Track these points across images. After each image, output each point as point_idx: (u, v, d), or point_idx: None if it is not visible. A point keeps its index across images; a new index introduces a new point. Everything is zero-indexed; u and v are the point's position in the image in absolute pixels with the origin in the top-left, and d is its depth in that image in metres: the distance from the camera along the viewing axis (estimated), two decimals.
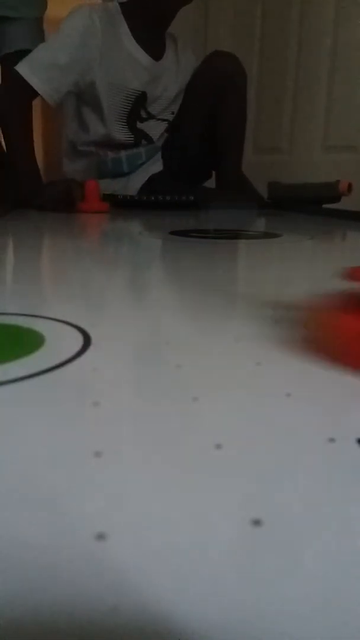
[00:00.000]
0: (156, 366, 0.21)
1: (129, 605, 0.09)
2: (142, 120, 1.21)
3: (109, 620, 0.09)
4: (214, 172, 1.31)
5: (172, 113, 1.25)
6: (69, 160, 1.26)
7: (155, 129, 1.24)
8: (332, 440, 0.15)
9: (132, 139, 1.21)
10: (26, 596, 0.09)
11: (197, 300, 0.33)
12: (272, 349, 0.23)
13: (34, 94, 1.07)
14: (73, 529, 0.11)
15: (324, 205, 1.05)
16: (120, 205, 1.06)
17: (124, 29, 1.12)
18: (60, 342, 0.23)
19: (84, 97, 1.15)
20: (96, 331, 0.25)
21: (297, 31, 1.46)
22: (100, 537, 0.11)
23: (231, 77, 1.20)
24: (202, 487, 0.13)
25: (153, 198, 1.08)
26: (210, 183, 1.34)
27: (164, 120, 1.24)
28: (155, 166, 1.27)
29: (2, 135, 1.14)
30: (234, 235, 0.69)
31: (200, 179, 1.34)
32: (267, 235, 0.71)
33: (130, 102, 1.17)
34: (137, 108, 1.19)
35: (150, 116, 1.22)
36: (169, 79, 1.20)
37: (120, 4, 1.12)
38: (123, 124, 1.19)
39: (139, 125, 1.21)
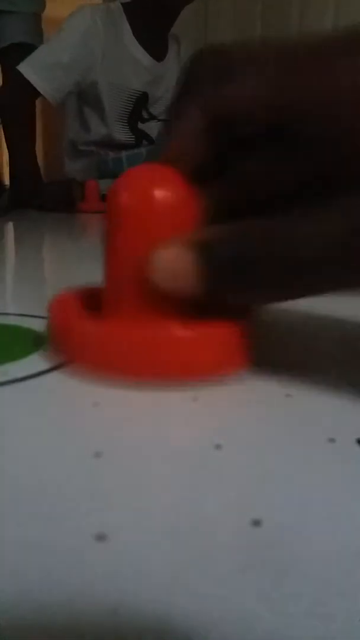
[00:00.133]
0: None
1: (129, 605, 0.09)
2: (144, 120, 1.21)
3: (109, 620, 0.09)
4: None
5: None
6: (69, 159, 1.26)
7: (157, 130, 1.24)
8: (332, 440, 0.15)
9: (133, 139, 1.21)
10: (25, 596, 0.09)
11: None
12: (273, 348, 0.23)
13: (36, 93, 1.07)
14: (73, 529, 0.11)
15: None
16: None
17: (126, 29, 1.12)
18: None
19: (86, 97, 1.15)
20: None
21: (297, 31, 1.46)
22: (100, 537, 0.11)
23: None
24: (202, 487, 0.13)
25: None
26: None
27: (165, 121, 1.24)
28: None
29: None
30: None
31: None
32: None
33: (132, 102, 1.17)
34: (138, 108, 1.19)
35: (152, 117, 1.22)
36: (171, 79, 1.20)
37: (123, 4, 1.12)
38: (124, 124, 1.19)
39: (140, 125, 1.21)
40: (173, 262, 0.17)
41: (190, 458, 0.14)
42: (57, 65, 1.06)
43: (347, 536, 0.11)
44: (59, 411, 0.17)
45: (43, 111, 1.53)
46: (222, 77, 0.17)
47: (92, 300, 0.21)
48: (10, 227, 0.78)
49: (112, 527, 0.11)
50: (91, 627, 0.09)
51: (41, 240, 0.68)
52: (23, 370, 0.20)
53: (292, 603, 0.09)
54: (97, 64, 1.10)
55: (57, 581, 0.10)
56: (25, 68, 1.05)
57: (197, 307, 0.18)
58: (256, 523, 0.11)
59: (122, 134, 1.20)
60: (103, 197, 1.03)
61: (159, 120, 1.23)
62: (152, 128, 1.23)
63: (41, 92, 1.06)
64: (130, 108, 1.18)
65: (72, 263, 0.51)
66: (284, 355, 0.22)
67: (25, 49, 1.10)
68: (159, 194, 0.18)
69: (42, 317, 0.27)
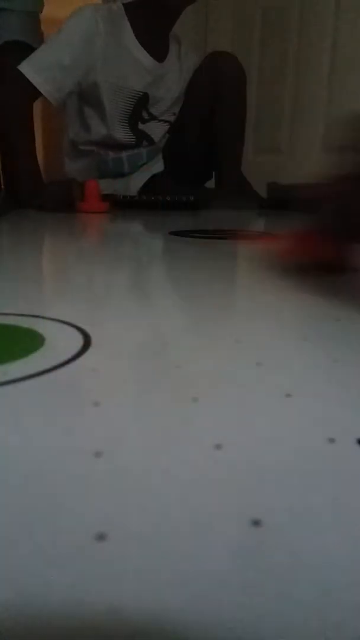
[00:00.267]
0: (156, 366, 0.21)
1: (129, 605, 0.09)
2: (144, 121, 1.21)
3: (109, 620, 0.09)
4: (214, 172, 1.31)
5: (174, 114, 1.25)
6: (70, 159, 1.26)
7: (157, 130, 1.24)
8: (332, 440, 0.15)
9: (133, 139, 1.21)
10: (25, 596, 0.09)
11: (197, 301, 0.33)
12: (272, 348, 0.23)
13: (37, 93, 1.07)
14: (73, 529, 0.11)
15: None
16: (120, 206, 1.06)
17: (127, 30, 1.12)
18: (60, 342, 0.23)
19: (86, 97, 1.15)
20: (96, 331, 0.25)
21: (297, 31, 1.47)
22: (100, 537, 0.11)
23: (230, 78, 1.20)
24: (202, 487, 0.13)
25: (153, 198, 1.08)
26: (210, 183, 1.34)
27: (165, 121, 1.24)
28: (157, 166, 1.27)
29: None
30: (234, 235, 0.69)
31: (201, 179, 1.34)
32: (266, 235, 0.71)
33: (132, 103, 1.17)
34: (138, 109, 1.19)
35: (152, 117, 1.22)
36: (171, 80, 1.20)
37: (124, 4, 1.12)
38: (124, 124, 1.19)
39: (141, 126, 1.21)
40: None
41: (190, 458, 0.14)
42: (58, 65, 1.06)
43: (347, 536, 0.11)
44: (59, 411, 0.17)
45: (43, 111, 1.53)
46: None
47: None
48: (10, 227, 0.78)
49: (112, 527, 0.11)
50: (91, 627, 0.09)
51: (41, 240, 0.68)
52: (23, 370, 0.20)
53: (292, 603, 0.09)
54: (98, 64, 1.10)
55: (57, 581, 0.10)
56: (26, 68, 1.05)
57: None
58: (256, 523, 0.11)
59: (122, 134, 1.20)
60: (103, 197, 1.03)
61: (160, 120, 1.23)
62: (153, 128, 1.23)
63: (42, 92, 1.06)
64: (131, 108, 1.18)
65: (72, 263, 0.51)
66: (283, 355, 0.22)
67: (21, 48, 1.09)
68: None
69: (42, 317, 0.27)
